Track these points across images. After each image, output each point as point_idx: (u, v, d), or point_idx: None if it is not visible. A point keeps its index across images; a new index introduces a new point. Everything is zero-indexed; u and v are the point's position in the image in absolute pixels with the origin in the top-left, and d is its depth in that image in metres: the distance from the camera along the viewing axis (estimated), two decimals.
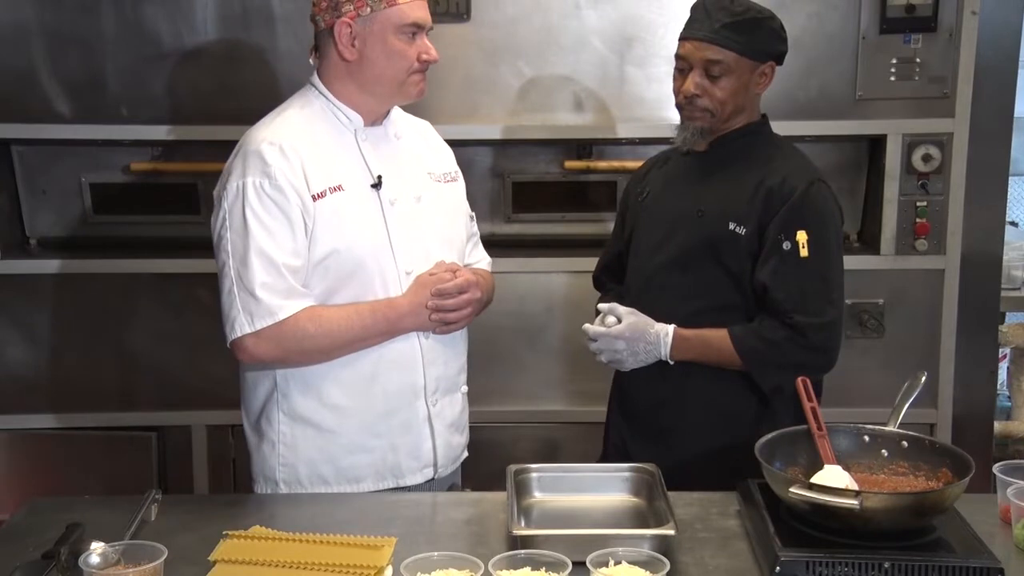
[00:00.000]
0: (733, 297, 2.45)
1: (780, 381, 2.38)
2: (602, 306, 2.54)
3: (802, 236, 2.37)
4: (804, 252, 2.36)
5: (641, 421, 2.59)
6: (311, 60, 2.39)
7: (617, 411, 2.66)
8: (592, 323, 2.53)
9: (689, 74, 2.44)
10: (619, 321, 2.48)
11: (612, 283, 2.75)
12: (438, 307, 2.33)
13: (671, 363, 2.46)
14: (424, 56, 2.31)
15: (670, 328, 2.46)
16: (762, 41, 2.42)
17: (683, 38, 2.45)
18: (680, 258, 2.50)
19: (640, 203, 2.64)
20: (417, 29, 2.29)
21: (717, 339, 2.43)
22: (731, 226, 2.43)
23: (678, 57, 2.46)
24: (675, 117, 3.33)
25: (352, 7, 2.25)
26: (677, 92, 2.48)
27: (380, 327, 2.30)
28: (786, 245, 2.37)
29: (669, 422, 2.53)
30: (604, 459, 2.63)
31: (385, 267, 2.32)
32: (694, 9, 2.45)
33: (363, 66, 2.30)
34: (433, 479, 2.43)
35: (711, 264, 2.46)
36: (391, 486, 2.38)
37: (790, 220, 2.38)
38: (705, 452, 2.45)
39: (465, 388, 2.52)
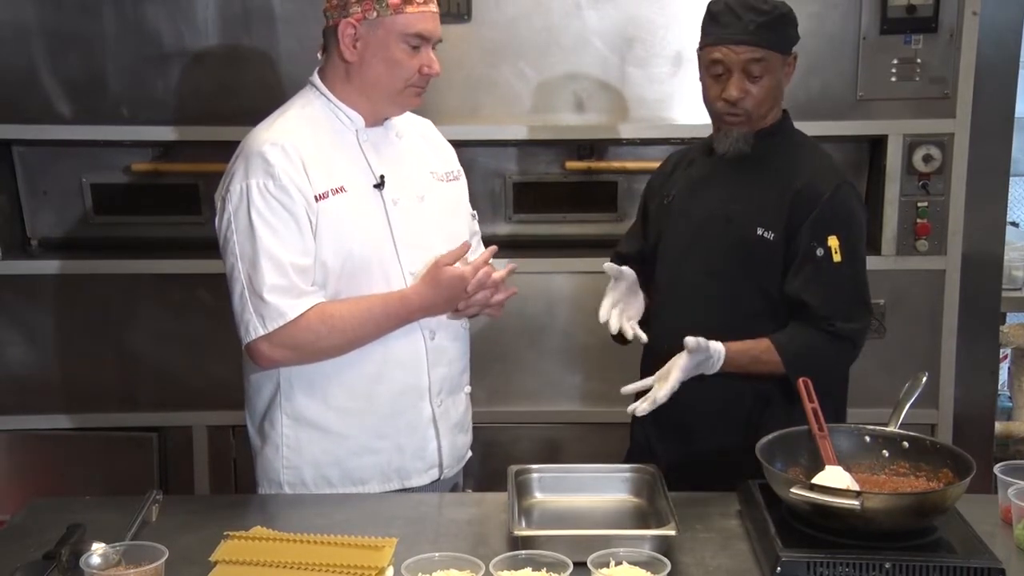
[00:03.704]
0: (762, 305, 2.43)
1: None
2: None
3: (834, 241, 2.36)
4: (837, 257, 2.36)
5: (665, 420, 2.58)
6: (319, 55, 2.38)
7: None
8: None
9: (729, 79, 2.39)
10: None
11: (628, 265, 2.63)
12: (473, 302, 2.33)
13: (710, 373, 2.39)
14: (425, 69, 2.29)
15: (721, 350, 2.34)
16: (788, 34, 2.43)
17: (714, 43, 2.39)
18: (709, 266, 2.48)
19: (666, 206, 2.60)
20: (422, 41, 2.27)
21: (761, 352, 2.37)
22: (759, 231, 2.41)
23: (714, 62, 2.40)
24: (676, 117, 3.35)
25: (359, 9, 2.25)
26: (715, 99, 2.42)
27: (392, 321, 2.30)
28: (819, 252, 2.37)
29: (693, 421, 2.51)
30: (629, 458, 2.61)
31: (389, 267, 2.32)
32: (719, 13, 2.39)
33: (362, 69, 2.29)
34: (438, 479, 2.43)
35: (740, 272, 2.44)
36: (396, 487, 2.38)
37: (821, 225, 2.37)
38: (730, 450, 2.41)
39: (468, 388, 2.52)
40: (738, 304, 2.45)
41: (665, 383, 2.30)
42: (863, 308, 2.42)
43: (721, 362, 2.35)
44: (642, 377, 2.62)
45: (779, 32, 2.41)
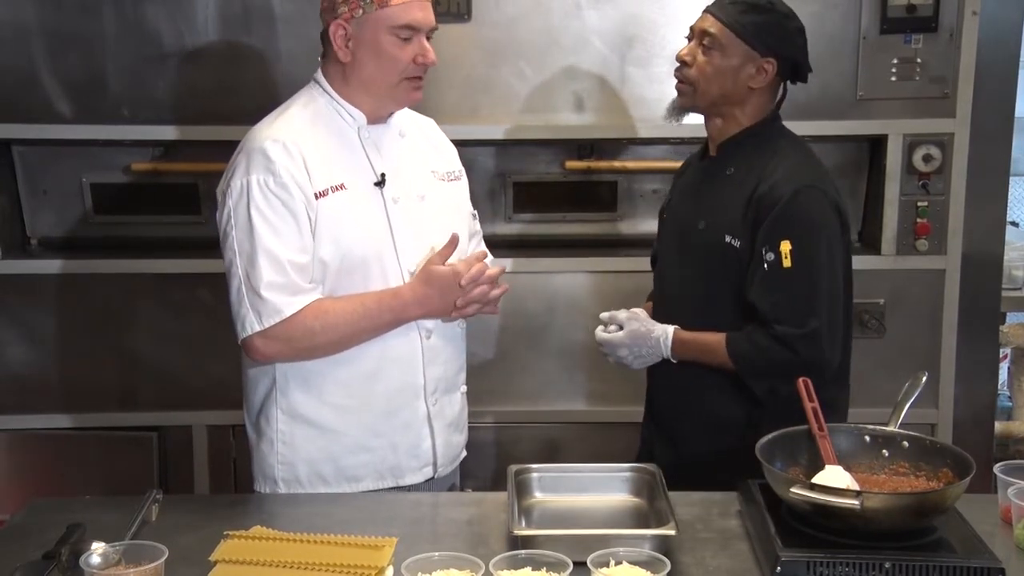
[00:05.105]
0: (738, 311, 2.42)
1: (769, 386, 2.39)
2: (603, 315, 2.59)
3: (785, 246, 2.34)
4: (787, 263, 2.34)
5: (662, 423, 2.61)
6: (320, 60, 2.39)
7: (646, 412, 2.69)
8: (601, 327, 2.60)
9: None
10: (620, 328, 2.52)
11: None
12: (470, 300, 2.32)
13: (674, 361, 2.49)
14: (420, 59, 2.29)
15: (669, 331, 2.48)
16: (765, 31, 2.41)
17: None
18: (688, 273, 2.51)
19: (663, 210, 2.68)
20: (412, 32, 2.26)
21: (714, 342, 2.43)
22: (727, 239, 2.42)
23: (691, 28, 2.49)
24: None
25: (347, 8, 2.25)
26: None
27: (386, 317, 2.30)
28: (769, 256, 2.35)
29: (687, 425, 2.54)
30: (639, 458, 2.63)
31: (388, 266, 2.32)
32: None
33: (356, 68, 2.30)
34: (433, 479, 2.43)
35: (715, 279, 2.45)
36: (390, 485, 2.38)
37: (774, 230, 2.36)
38: (723, 455, 2.44)
39: (464, 388, 2.52)
40: (716, 310, 2.46)
41: (610, 336, 2.53)
42: (811, 316, 2.35)
43: (669, 344, 2.47)
44: (648, 385, 2.65)
45: (752, 22, 2.40)
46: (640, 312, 2.56)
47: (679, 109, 2.55)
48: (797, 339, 2.35)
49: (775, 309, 2.36)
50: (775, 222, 2.36)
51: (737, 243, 2.41)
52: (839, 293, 2.43)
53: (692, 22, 2.50)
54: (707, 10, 2.46)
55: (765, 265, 2.36)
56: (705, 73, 2.43)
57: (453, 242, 2.34)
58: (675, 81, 2.51)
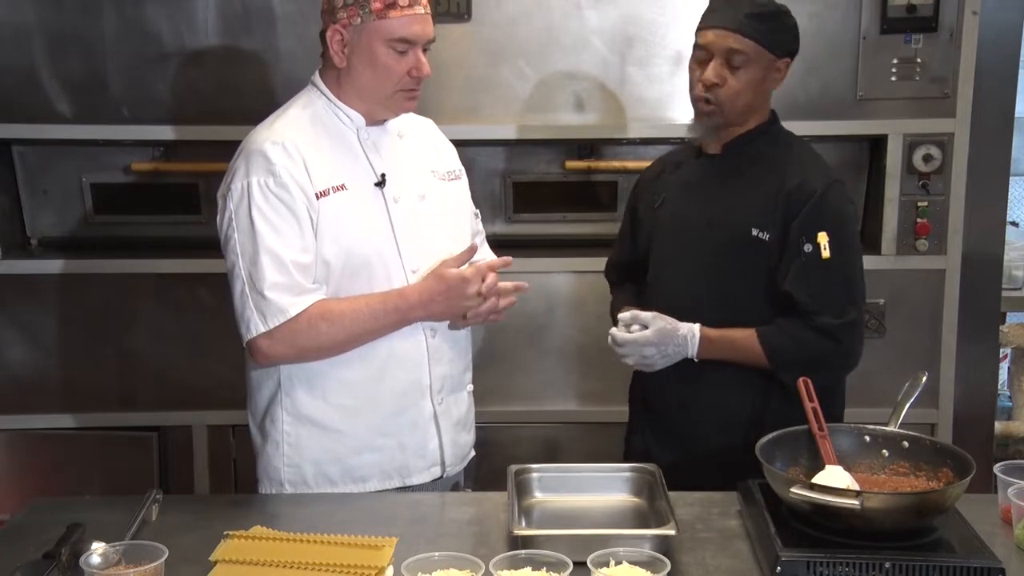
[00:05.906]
0: (758, 307, 2.43)
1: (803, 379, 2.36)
2: (623, 316, 2.48)
3: (823, 238, 2.36)
4: (826, 253, 2.36)
5: (665, 425, 2.58)
6: (321, 58, 2.39)
7: (641, 415, 2.64)
8: (615, 328, 2.50)
9: (709, 63, 2.41)
10: (643, 327, 2.44)
11: (624, 281, 2.72)
12: (479, 312, 2.32)
13: (696, 361, 2.45)
14: (414, 72, 2.29)
15: (696, 329, 2.43)
16: (781, 35, 2.42)
17: (704, 27, 2.43)
18: (703, 269, 2.49)
19: (657, 210, 2.61)
20: (408, 45, 2.26)
21: (743, 338, 2.42)
22: (754, 232, 2.42)
23: (698, 47, 2.44)
24: (676, 117, 3.34)
25: (345, 15, 2.25)
26: (695, 84, 2.44)
27: (391, 318, 2.29)
28: (807, 247, 2.37)
29: (692, 425, 2.52)
30: (625, 461, 2.60)
31: (390, 265, 2.32)
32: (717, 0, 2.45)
33: (351, 74, 2.30)
34: (440, 478, 2.43)
35: (735, 274, 2.44)
36: (397, 485, 2.38)
37: (810, 222, 2.38)
38: (727, 454, 2.42)
39: (471, 387, 2.53)
40: (734, 306, 2.45)
41: (635, 336, 2.43)
42: (850, 305, 2.39)
43: (696, 342, 2.43)
44: (642, 389, 2.62)
45: (770, 29, 2.40)
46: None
47: (712, 130, 2.47)
48: (837, 329, 2.37)
49: (814, 300, 2.37)
50: (810, 215, 2.38)
51: (766, 236, 2.41)
52: (864, 285, 2.46)
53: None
54: (721, 26, 2.39)
55: (803, 256, 2.37)
56: (737, 91, 2.41)
57: (471, 250, 2.35)
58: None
